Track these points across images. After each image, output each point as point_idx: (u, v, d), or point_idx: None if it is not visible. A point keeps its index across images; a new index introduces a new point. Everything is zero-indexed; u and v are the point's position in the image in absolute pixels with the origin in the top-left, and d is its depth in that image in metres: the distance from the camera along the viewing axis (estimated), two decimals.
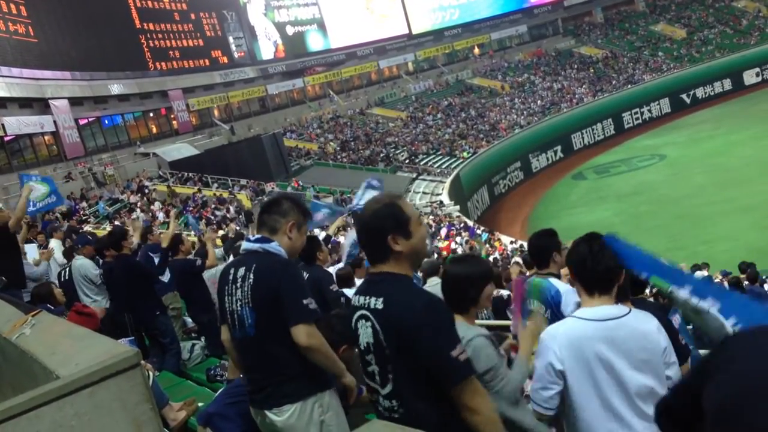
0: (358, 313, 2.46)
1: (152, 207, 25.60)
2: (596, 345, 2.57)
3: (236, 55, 47.70)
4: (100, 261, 7.31)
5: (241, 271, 2.99)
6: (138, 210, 24.75)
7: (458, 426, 2.33)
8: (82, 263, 7.45)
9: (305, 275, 5.00)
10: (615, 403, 2.56)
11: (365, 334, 2.42)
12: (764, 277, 13.89)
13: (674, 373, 2.60)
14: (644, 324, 2.62)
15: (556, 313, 3.81)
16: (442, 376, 2.29)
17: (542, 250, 4.09)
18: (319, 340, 2.87)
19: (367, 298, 2.42)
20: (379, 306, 2.36)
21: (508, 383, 2.86)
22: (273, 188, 30.86)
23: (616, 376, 2.55)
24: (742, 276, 11.80)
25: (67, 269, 7.60)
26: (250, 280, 2.94)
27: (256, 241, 3.02)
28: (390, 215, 2.41)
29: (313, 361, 2.88)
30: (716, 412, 1.20)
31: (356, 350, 2.56)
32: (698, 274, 13.22)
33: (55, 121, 32.53)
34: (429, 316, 2.31)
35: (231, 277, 3.02)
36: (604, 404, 2.57)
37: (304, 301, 2.87)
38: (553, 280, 3.90)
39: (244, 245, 3.09)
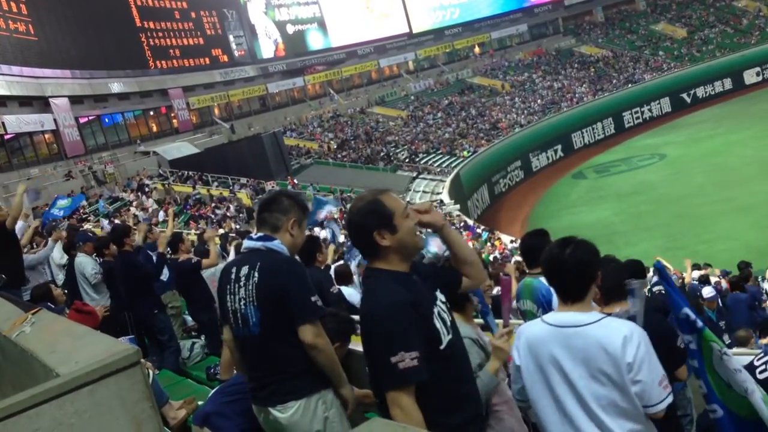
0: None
1: (146, 203, 25.58)
2: (551, 349, 2.56)
3: (236, 53, 47.71)
4: (100, 259, 7.31)
5: (245, 269, 2.97)
6: (133, 207, 24.78)
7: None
8: (81, 261, 7.46)
9: None
10: (569, 408, 2.54)
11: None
12: (759, 277, 13.92)
13: (639, 390, 2.43)
14: (608, 336, 2.45)
15: (547, 312, 3.82)
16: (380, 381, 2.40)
17: (533, 249, 4.10)
18: (325, 340, 2.89)
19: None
20: (365, 307, 2.50)
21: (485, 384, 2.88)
22: (273, 187, 30.86)
23: (570, 382, 2.52)
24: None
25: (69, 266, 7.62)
26: (255, 279, 2.92)
27: (259, 239, 3.00)
28: (373, 211, 2.43)
29: (315, 361, 2.89)
30: None
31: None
32: (696, 273, 13.23)
33: (55, 120, 32.53)
34: (384, 320, 2.36)
35: (233, 276, 3.01)
36: (558, 407, 2.57)
37: (312, 299, 2.90)
38: (545, 280, 3.92)
39: (246, 243, 3.07)
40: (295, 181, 33.30)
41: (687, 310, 2.83)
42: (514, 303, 4.40)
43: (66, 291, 7.05)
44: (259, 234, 3.03)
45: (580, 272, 2.58)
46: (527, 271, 4.22)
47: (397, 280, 2.43)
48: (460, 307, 3.04)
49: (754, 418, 2.70)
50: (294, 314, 2.87)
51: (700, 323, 2.80)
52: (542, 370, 2.59)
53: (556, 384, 2.56)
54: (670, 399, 2.48)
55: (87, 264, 7.30)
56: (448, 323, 2.52)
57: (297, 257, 5.34)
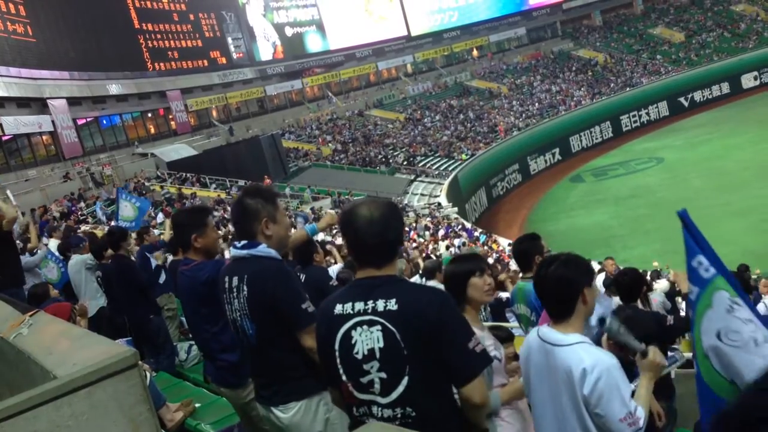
0: (355, 321, 2.33)
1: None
2: (536, 360, 2.65)
3: (235, 55, 47.69)
4: (97, 262, 7.32)
5: (235, 280, 2.96)
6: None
7: (458, 422, 2.35)
8: (78, 260, 7.48)
9: (303, 276, 5.02)
10: (547, 417, 2.64)
11: (367, 340, 2.30)
12: (756, 279, 13.89)
13: (601, 423, 2.43)
14: (572, 363, 2.47)
15: (540, 316, 3.84)
16: (457, 371, 2.29)
17: (525, 254, 4.12)
18: None
19: (371, 302, 2.32)
20: (393, 307, 2.28)
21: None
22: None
23: (546, 395, 2.61)
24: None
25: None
26: (245, 292, 2.92)
27: (243, 247, 2.97)
28: (400, 218, 2.51)
29: (318, 363, 2.87)
30: None
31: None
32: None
33: (53, 121, 32.51)
34: (448, 310, 2.31)
35: (227, 286, 3.01)
36: (540, 414, 2.69)
37: (303, 306, 2.85)
38: None
39: (232, 252, 3.04)
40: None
41: (701, 258, 2.76)
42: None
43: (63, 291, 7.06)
44: (243, 242, 2.99)
45: (559, 291, 2.59)
46: (524, 276, 4.23)
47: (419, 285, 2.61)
48: (461, 307, 3.07)
49: (716, 390, 2.62)
50: (290, 323, 2.86)
51: (712, 271, 2.70)
52: (529, 378, 2.71)
53: (536, 393, 2.67)
54: None
55: (83, 260, 7.34)
56: None
57: (295, 254, 5.33)
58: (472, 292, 3.05)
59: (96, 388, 1.68)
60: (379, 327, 2.29)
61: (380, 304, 2.29)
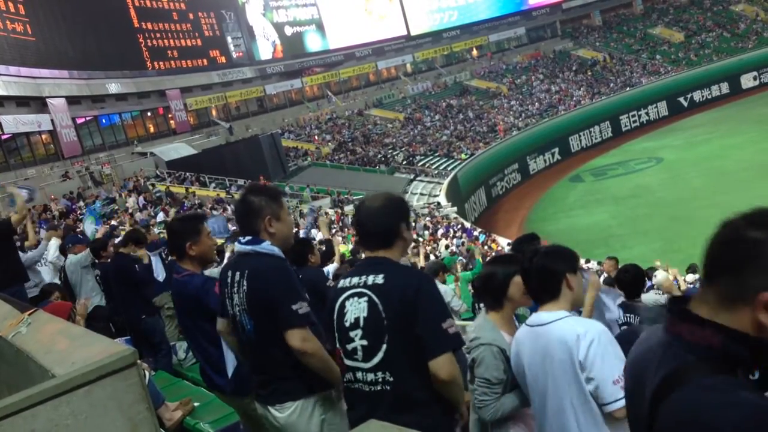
0: (350, 292, 2.62)
1: (127, 203, 25.59)
2: (524, 347, 2.71)
3: (234, 55, 47.69)
4: (92, 260, 7.34)
5: (237, 276, 2.98)
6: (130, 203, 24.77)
7: (438, 396, 2.55)
8: (74, 260, 7.48)
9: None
10: (537, 405, 2.70)
11: (356, 310, 2.58)
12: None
13: (593, 387, 2.48)
14: (564, 332, 2.54)
15: None
16: (427, 346, 2.47)
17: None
18: (314, 344, 2.84)
19: (364, 276, 2.61)
20: (380, 281, 2.56)
21: (497, 410, 2.92)
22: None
23: (537, 379, 2.65)
24: None
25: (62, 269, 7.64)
26: (244, 288, 2.94)
27: (247, 242, 2.99)
28: (402, 206, 2.76)
29: (308, 365, 2.86)
30: None
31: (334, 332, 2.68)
32: (690, 277, 13.24)
33: (52, 120, 32.49)
34: (427, 289, 2.55)
35: (229, 281, 3.02)
36: (536, 402, 2.71)
37: (293, 307, 2.83)
38: None
39: (237, 247, 3.06)
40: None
41: None
42: None
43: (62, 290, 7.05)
44: (248, 237, 3.01)
45: (543, 281, 2.69)
46: None
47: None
48: (499, 305, 3.11)
49: None
50: (278, 321, 2.86)
51: None
52: (524, 370, 2.73)
53: (535, 383, 2.68)
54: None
55: (80, 259, 7.36)
56: None
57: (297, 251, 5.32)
58: (513, 291, 3.05)
59: (95, 387, 1.67)
60: (366, 298, 2.57)
61: (370, 279, 2.58)
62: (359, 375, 2.59)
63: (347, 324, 2.60)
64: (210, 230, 3.73)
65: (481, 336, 3.01)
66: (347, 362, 2.62)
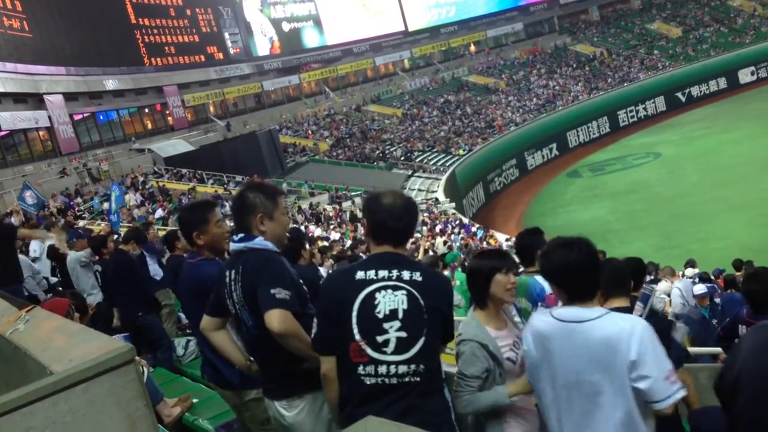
0: (379, 285, 2.64)
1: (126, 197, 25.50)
2: (556, 343, 2.59)
3: (232, 51, 47.60)
4: (96, 258, 7.34)
5: (233, 274, 2.99)
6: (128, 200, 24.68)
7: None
8: (73, 257, 7.48)
9: None
10: (567, 402, 2.58)
11: (391, 302, 2.61)
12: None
13: (646, 386, 2.42)
14: (610, 331, 2.47)
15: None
16: (446, 336, 2.77)
17: (527, 248, 4.12)
18: (293, 324, 2.79)
19: (395, 271, 2.66)
20: (418, 278, 2.65)
21: (469, 403, 2.92)
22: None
23: (570, 377, 2.55)
24: (738, 274, 11.83)
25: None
26: (240, 284, 2.95)
27: (240, 240, 2.99)
28: (416, 207, 2.86)
29: (288, 348, 2.82)
30: None
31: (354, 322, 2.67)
32: (689, 271, 13.24)
33: (49, 117, 32.40)
34: (452, 290, 2.89)
35: (227, 280, 3.03)
36: (557, 400, 2.61)
37: (272, 291, 2.80)
38: (539, 278, 3.94)
39: (231, 246, 3.06)
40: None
41: None
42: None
43: (60, 288, 7.08)
44: (241, 235, 3.01)
45: (586, 276, 2.60)
46: (527, 270, 4.23)
47: None
48: (483, 302, 3.09)
49: None
50: (260, 307, 2.83)
51: None
52: (548, 363, 2.63)
53: (558, 377, 2.59)
54: (680, 394, 2.45)
55: (79, 256, 7.37)
56: None
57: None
58: (494, 289, 3.03)
59: (92, 384, 1.67)
60: (404, 292, 2.62)
61: (405, 274, 2.65)
62: (382, 369, 2.59)
63: (380, 315, 2.59)
64: (218, 218, 3.63)
65: (463, 332, 3.03)
66: (372, 353, 2.59)
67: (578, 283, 2.60)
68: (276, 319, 2.76)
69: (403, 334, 2.58)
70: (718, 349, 5.20)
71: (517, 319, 3.94)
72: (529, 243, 4.12)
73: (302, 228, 13.12)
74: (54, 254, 8.28)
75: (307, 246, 5.79)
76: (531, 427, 3.02)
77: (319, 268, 7.12)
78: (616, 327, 2.47)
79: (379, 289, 2.62)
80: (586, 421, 2.53)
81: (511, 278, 3.06)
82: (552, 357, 2.61)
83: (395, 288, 2.61)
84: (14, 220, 12.82)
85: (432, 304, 2.62)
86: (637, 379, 2.42)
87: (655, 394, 2.42)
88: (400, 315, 2.58)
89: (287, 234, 3.21)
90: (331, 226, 25.29)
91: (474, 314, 3.11)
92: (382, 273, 2.64)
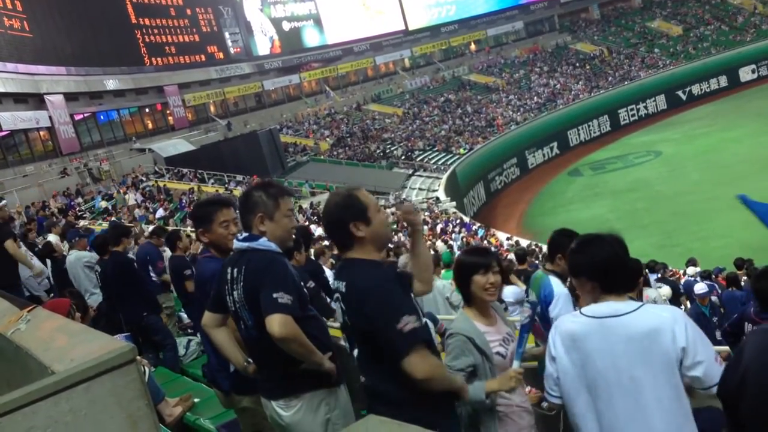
0: (336, 295, 2.72)
1: (126, 196, 25.57)
2: (594, 342, 2.48)
3: (232, 50, 47.61)
4: (97, 258, 7.33)
5: (234, 272, 2.98)
6: (127, 199, 24.74)
7: (415, 397, 2.53)
8: (77, 256, 7.48)
9: None
10: (609, 402, 2.46)
11: (340, 314, 2.71)
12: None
13: (702, 371, 2.34)
14: (653, 322, 2.40)
15: (543, 312, 3.83)
16: (392, 351, 2.49)
17: (552, 247, 4.08)
18: (294, 329, 2.78)
19: (337, 282, 2.69)
20: (343, 289, 2.64)
21: None
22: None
23: (613, 374, 2.44)
24: (740, 272, 11.84)
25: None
26: (241, 283, 2.94)
27: (244, 239, 2.99)
28: (350, 205, 2.65)
29: (289, 352, 2.81)
30: None
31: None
32: (691, 270, 13.25)
33: (50, 117, 32.43)
34: (377, 295, 2.53)
35: (228, 277, 3.02)
36: (594, 401, 2.50)
37: (274, 295, 2.79)
38: (553, 279, 3.93)
39: (235, 244, 3.05)
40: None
41: None
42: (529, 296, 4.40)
43: (57, 287, 7.09)
44: (245, 234, 3.01)
45: (624, 271, 2.60)
46: (546, 266, 4.20)
47: (374, 265, 2.65)
48: (467, 299, 3.08)
49: None
50: (262, 311, 2.82)
51: None
52: (583, 366, 2.51)
53: (597, 378, 2.48)
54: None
55: (84, 256, 7.37)
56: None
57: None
58: (473, 288, 3.00)
59: (94, 384, 1.67)
60: (339, 305, 2.69)
61: (340, 285, 2.66)
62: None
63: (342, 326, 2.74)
64: (226, 219, 3.60)
65: (452, 327, 3.03)
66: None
67: (618, 275, 2.56)
68: (277, 323, 2.75)
69: (348, 345, 2.76)
70: (725, 348, 5.19)
71: (517, 316, 3.94)
72: (561, 243, 4.00)
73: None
74: (48, 252, 8.24)
75: (303, 251, 5.73)
76: (525, 426, 3.01)
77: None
78: (659, 318, 2.42)
79: (335, 300, 2.75)
80: (630, 422, 2.43)
81: (490, 278, 2.98)
82: (588, 358, 2.49)
83: (337, 300, 2.72)
84: (16, 222, 12.81)
85: (354, 316, 2.63)
86: (692, 367, 2.36)
87: (711, 378, 2.34)
88: (344, 327, 2.75)
89: (292, 236, 3.17)
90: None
91: (463, 311, 3.11)
92: (335, 283, 2.74)
